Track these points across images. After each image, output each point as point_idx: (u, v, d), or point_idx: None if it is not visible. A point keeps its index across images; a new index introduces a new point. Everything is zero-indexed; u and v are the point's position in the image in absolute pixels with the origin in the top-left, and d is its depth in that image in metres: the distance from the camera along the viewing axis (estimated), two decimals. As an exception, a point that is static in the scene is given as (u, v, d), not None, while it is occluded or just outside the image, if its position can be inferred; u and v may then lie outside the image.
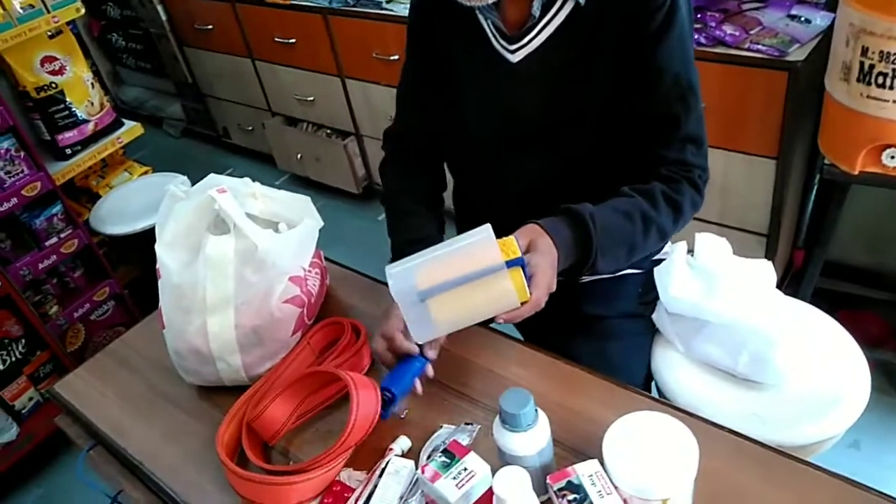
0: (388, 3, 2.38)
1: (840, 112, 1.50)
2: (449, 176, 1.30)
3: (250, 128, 3.35)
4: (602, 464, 0.76)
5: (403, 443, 0.91)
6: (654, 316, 1.26)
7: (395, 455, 0.89)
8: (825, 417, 1.10)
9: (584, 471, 0.75)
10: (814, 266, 1.83)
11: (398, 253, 1.12)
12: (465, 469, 0.78)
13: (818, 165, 1.89)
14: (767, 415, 1.12)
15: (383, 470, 0.87)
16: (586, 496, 0.73)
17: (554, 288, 0.91)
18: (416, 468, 0.87)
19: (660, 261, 1.27)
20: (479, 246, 0.82)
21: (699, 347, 1.21)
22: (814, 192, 1.99)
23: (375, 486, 0.85)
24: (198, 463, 0.97)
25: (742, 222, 1.96)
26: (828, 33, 1.62)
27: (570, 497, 0.73)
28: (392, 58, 2.43)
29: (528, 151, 1.10)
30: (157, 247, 1.03)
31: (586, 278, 1.23)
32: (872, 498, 0.79)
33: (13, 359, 2.07)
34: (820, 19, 1.74)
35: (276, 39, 2.80)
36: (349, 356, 1.04)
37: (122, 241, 2.35)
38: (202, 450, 0.99)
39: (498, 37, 1.04)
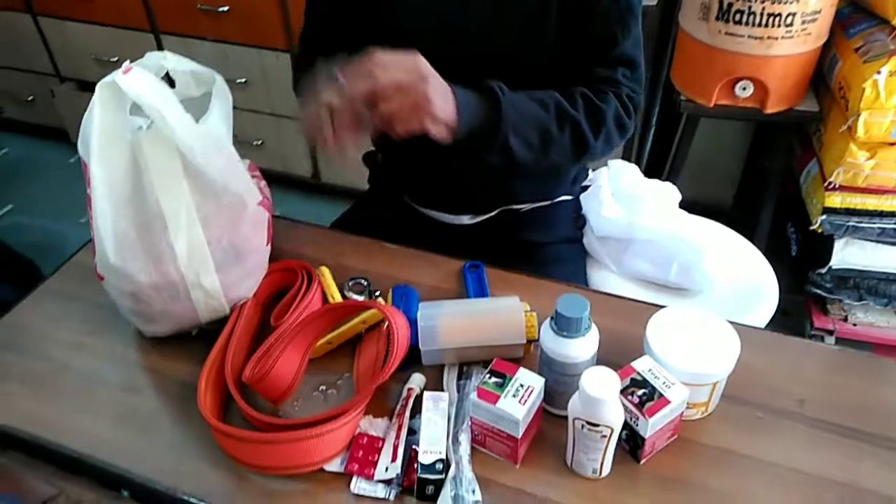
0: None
1: (698, 49, 1.65)
2: None
3: (30, 98, 2.87)
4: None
5: (419, 380, 0.84)
6: (584, 240, 1.30)
7: (417, 394, 0.82)
8: (753, 311, 1.22)
9: (641, 367, 0.75)
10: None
11: None
12: (522, 385, 0.74)
13: (658, 101, 2.08)
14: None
15: (413, 409, 0.79)
16: (654, 389, 0.72)
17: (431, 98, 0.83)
18: (451, 398, 0.81)
19: (587, 187, 1.32)
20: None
21: (630, 264, 1.27)
22: (653, 126, 2.17)
23: (410, 429, 0.78)
24: (166, 440, 0.82)
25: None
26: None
27: (640, 392, 0.72)
28: (221, 9, 2.21)
29: (469, 72, 1.05)
30: (92, 167, 0.78)
31: (525, 207, 1.23)
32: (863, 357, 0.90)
33: None
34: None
35: (67, -11, 2.41)
36: (307, 304, 0.93)
37: None
38: (156, 423, 0.83)
39: None
